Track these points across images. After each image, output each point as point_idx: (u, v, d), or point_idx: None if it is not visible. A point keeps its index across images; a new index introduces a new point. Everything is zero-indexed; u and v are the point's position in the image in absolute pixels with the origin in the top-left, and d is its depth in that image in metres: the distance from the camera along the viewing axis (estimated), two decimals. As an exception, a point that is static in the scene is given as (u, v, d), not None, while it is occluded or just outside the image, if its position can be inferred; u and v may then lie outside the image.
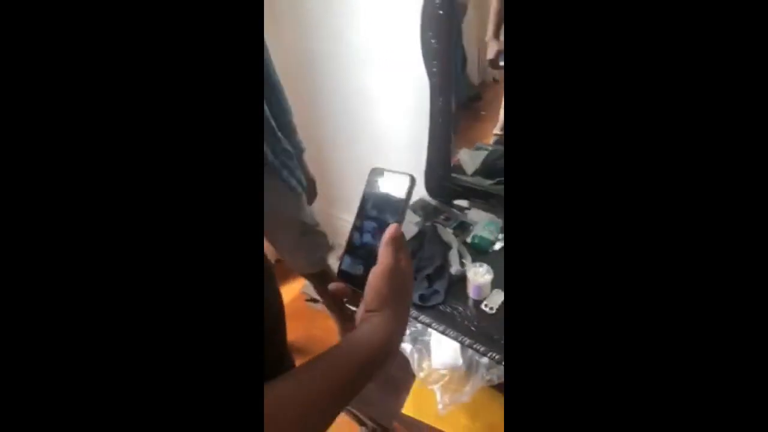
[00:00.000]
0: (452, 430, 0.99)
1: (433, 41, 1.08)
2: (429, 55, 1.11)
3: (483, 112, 1.50)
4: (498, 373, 0.94)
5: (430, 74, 1.15)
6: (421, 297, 1.05)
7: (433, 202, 1.43)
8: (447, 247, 1.21)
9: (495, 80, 1.39)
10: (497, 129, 1.42)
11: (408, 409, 1.05)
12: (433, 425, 1.00)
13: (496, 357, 0.92)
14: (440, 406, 0.96)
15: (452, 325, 1.00)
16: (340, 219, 2.00)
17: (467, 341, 0.96)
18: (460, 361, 0.98)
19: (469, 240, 1.24)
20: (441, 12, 1.03)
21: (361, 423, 1.08)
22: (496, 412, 1.02)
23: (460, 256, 1.17)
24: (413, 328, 1.05)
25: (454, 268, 1.11)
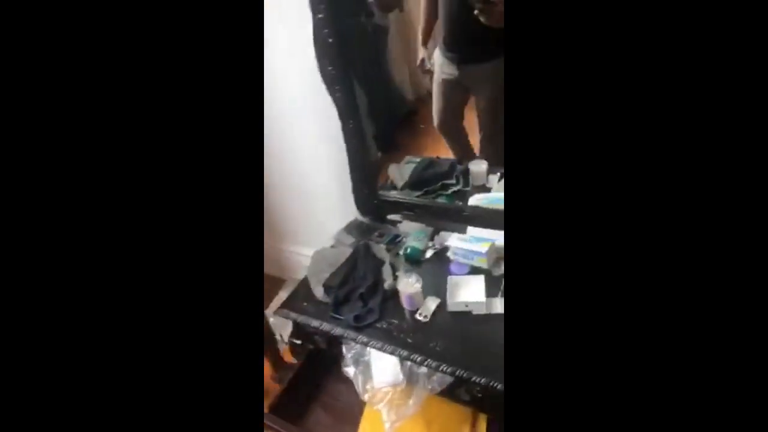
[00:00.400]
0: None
1: (329, 68, 1.12)
2: (329, 81, 1.15)
3: (422, 126, 1.55)
4: (439, 380, 0.95)
5: (335, 99, 1.18)
6: (357, 318, 1.05)
7: (365, 220, 1.45)
8: (380, 262, 1.22)
9: (429, 93, 1.44)
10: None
11: (362, 433, 1.04)
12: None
13: (433, 365, 0.93)
14: (387, 425, 0.95)
15: (388, 339, 1.01)
16: (286, 251, 1.99)
17: (404, 353, 0.97)
18: (401, 376, 0.98)
19: (401, 252, 1.25)
20: (331, 40, 1.07)
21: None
22: (448, 417, 1.02)
23: (393, 270, 1.18)
24: (354, 351, 1.05)
25: (387, 283, 1.13)
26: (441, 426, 0.99)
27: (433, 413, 1.00)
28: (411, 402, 0.96)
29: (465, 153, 1.39)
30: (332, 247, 1.35)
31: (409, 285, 1.05)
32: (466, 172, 1.41)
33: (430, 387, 0.96)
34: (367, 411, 1.09)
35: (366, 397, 1.00)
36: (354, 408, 1.14)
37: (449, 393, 0.96)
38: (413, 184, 1.45)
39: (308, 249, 1.90)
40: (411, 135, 1.54)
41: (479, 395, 0.93)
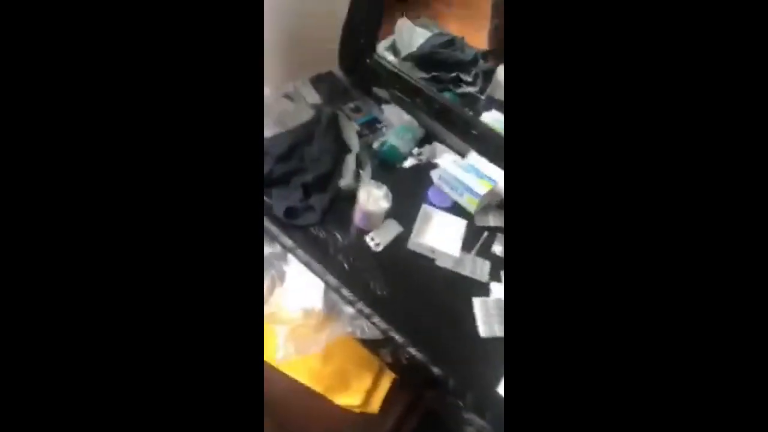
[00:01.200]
0: (295, 372, 0.80)
1: None
2: None
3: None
4: (362, 326, 0.73)
5: None
6: (289, 211, 0.76)
7: (345, 82, 1.06)
8: (344, 148, 0.89)
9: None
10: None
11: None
12: (272, 365, 0.79)
13: (366, 312, 0.70)
14: (280, 354, 0.74)
15: (321, 257, 0.74)
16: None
17: (333, 283, 0.72)
18: (320, 305, 0.74)
19: (376, 146, 0.93)
20: None
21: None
22: (349, 356, 0.84)
23: (358, 165, 0.87)
24: (270, 250, 0.77)
25: (344, 181, 0.82)
26: (339, 366, 0.81)
27: (335, 348, 0.80)
28: (321, 337, 0.74)
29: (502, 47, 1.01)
30: (286, 96, 0.96)
31: (373, 198, 0.76)
32: (489, 74, 1.05)
33: (350, 329, 0.74)
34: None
35: (265, 309, 0.76)
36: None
37: (370, 344, 0.76)
38: (420, 59, 1.06)
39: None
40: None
41: (405, 363, 0.74)
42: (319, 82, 1.03)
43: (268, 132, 0.86)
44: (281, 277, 0.77)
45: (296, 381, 0.80)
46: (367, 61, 0.99)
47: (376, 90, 1.07)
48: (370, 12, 0.89)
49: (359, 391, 0.81)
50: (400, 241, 0.80)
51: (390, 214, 0.80)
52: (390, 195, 0.77)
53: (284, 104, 0.91)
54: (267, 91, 0.90)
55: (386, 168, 0.91)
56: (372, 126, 0.98)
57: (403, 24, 1.08)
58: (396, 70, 0.98)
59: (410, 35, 1.10)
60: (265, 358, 0.76)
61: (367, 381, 0.83)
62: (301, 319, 0.75)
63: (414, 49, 1.08)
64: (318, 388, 0.80)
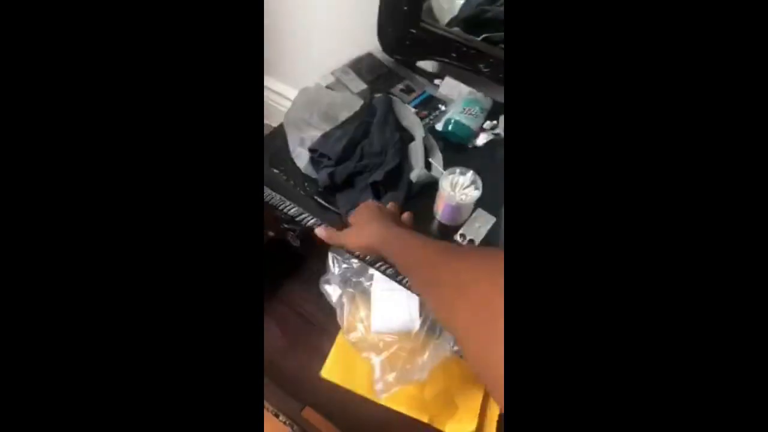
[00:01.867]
0: (392, 402, 0.68)
1: None
2: None
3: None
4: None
5: None
6: (362, 218, 0.64)
7: (387, 61, 0.92)
8: (407, 136, 0.76)
9: None
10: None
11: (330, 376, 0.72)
12: (365, 396, 0.68)
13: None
14: (379, 386, 0.62)
15: (408, 266, 0.62)
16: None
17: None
18: (417, 324, 0.62)
19: (439, 127, 0.80)
20: None
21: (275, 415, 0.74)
22: (452, 375, 0.72)
23: (426, 153, 0.74)
24: (344, 266, 0.66)
25: (416, 173, 0.69)
26: (443, 387, 0.69)
27: (437, 369, 0.68)
28: (423, 361, 0.62)
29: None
30: (329, 87, 0.84)
31: (460, 188, 0.63)
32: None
33: (456, 348, 0.62)
34: (343, 353, 0.73)
35: (351, 337, 0.64)
36: (327, 335, 0.78)
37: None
38: (467, 21, 0.91)
39: (292, 89, 1.36)
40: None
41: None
42: (358, 65, 0.90)
43: (317, 131, 0.74)
44: (365, 295, 0.65)
45: (396, 412, 0.69)
46: (412, 31, 0.85)
47: (422, 65, 0.93)
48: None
49: (470, 413, 0.69)
50: (493, 233, 0.67)
51: (478, 203, 0.67)
52: (479, 180, 0.64)
53: (329, 96, 0.78)
54: (311, 85, 0.78)
55: (457, 149, 0.78)
56: (429, 105, 0.84)
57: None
58: (450, 35, 0.84)
59: (449, -2, 0.96)
60: (361, 392, 0.65)
61: (476, 401, 0.70)
62: (397, 343, 0.63)
63: (456, 12, 0.94)
64: (423, 417, 0.68)
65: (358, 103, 0.79)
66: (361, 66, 0.91)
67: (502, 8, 0.92)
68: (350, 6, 1.01)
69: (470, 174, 0.64)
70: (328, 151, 0.69)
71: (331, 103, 0.77)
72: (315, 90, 0.79)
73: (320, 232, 0.59)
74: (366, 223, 0.54)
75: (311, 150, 0.71)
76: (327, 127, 0.75)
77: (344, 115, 0.77)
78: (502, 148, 0.79)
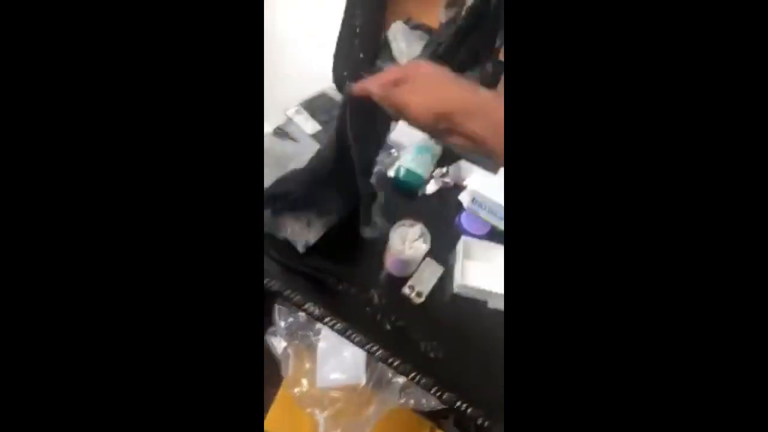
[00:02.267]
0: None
1: None
2: None
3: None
4: (416, 397, 0.62)
5: None
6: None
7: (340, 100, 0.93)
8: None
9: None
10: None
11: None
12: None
13: (423, 381, 0.58)
14: (324, 443, 0.61)
15: (356, 319, 0.62)
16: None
17: (378, 351, 0.60)
18: (363, 379, 0.62)
19: (391, 173, 0.81)
20: None
21: None
22: (403, 427, 0.71)
23: (381, 208, 0.75)
24: (290, 319, 0.64)
25: (371, 229, 0.69)
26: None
27: (387, 422, 0.68)
28: (369, 415, 0.62)
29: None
30: (280, 128, 0.83)
31: (409, 240, 0.64)
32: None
33: (402, 401, 0.63)
34: (288, 405, 0.72)
35: (296, 391, 0.63)
36: (270, 387, 0.76)
37: (429, 415, 0.64)
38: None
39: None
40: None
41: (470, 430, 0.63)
42: (313, 108, 0.90)
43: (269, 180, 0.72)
44: (310, 349, 0.64)
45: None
46: (365, 70, 0.86)
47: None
48: (371, 18, 0.77)
49: (416, 462, 0.70)
50: (442, 284, 0.69)
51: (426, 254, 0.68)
52: (428, 234, 0.65)
53: (280, 145, 0.77)
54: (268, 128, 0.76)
55: (407, 197, 0.79)
56: (381, 149, 0.86)
57: (398, 29, 0.96)
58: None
59: (404, 36, 0.98)
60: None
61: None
62: (343, 399, 0.62)
63: (419, 53, 0.97)
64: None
65: (313, 148, 0.79)
66: (315, 105, 0.90)
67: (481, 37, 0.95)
68: (298, 42, 1.01)
69: (419, 227, 0.66)
70: (288, 189, 0.67)
71: (283, 153, 0.76)
72: (266, 140, 0.77)
73: (370, 85, 0.41)
74: (438, 83, 0.39)
75: (268, 196, 0.69)
76: (279, 172, 0.73)
77: (297, 165, 0.76)
78: (451, 196, 0.81)
